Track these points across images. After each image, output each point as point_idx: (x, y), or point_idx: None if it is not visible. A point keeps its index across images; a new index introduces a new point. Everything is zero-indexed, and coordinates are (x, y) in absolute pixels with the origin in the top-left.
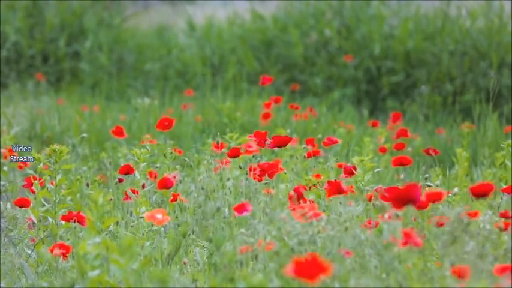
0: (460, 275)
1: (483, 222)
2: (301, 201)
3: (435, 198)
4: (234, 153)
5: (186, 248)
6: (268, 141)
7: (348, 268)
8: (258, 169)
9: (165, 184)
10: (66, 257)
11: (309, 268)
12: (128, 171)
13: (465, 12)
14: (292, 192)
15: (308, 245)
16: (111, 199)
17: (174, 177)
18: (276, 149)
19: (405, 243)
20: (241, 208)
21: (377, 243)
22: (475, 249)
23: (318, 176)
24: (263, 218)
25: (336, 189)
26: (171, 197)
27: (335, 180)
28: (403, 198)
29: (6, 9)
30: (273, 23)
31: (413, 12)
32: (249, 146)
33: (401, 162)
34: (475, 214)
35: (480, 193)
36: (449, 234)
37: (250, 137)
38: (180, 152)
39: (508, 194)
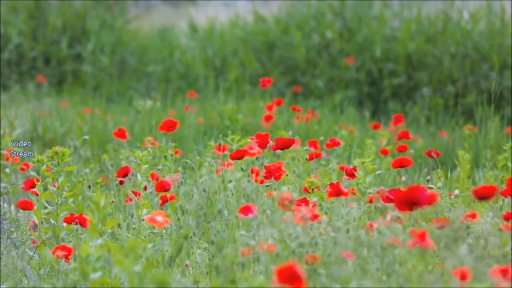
0: (461, 276)
1: (484, 224)
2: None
3: (430, 199)
4: (238, 155)
5: (187, 250)
6: (270, 143)
7: (349, 270)
8: (264, 171)
9: (163, 187)
10: (68, 259)
11: (289, 277)
12: (125, 173)
13: (466, 14)
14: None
15: (309, 247)
16: (112, 201)
17: (174, 179)
18: (278, 151)
19: (414, 244)
20: (246, 210)
21: (377, 245)
22: (476, 251)
23: (314, 177)
24: (265, 220)
25: (335, 191)
26: (172, 199)
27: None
28: (408, 200)
29: (8, 11)
30: (275, 25)
31: (414, 14)
32: (251, 148)
33: (401, 164)
34: (475, 216)
35: (483, 195)
36: (450, 236)
37: (252, 139)
38: (179, 153)
39: (508, 196)
